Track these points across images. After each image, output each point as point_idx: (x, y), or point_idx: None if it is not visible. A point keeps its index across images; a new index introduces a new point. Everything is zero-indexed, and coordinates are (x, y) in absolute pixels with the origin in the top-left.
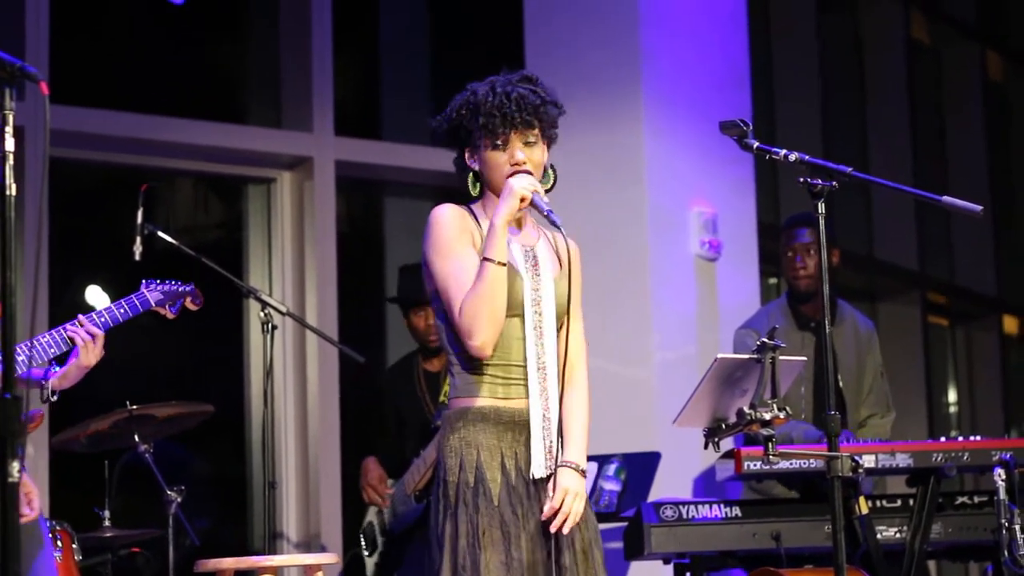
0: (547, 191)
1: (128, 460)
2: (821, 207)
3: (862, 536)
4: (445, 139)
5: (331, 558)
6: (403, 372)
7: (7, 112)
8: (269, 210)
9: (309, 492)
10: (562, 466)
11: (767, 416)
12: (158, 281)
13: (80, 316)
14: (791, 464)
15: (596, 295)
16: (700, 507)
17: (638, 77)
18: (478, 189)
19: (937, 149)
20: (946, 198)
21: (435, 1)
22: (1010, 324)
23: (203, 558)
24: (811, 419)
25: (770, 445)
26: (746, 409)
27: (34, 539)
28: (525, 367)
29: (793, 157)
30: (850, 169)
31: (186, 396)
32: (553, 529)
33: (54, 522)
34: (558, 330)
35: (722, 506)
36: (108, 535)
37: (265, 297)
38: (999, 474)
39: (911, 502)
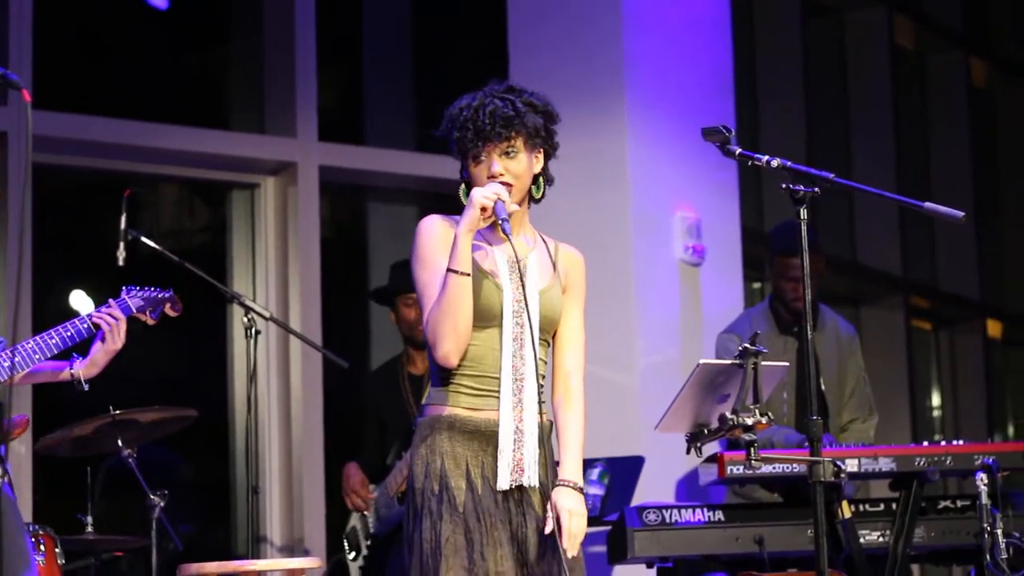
0: (538, 200)
1: (111, 465)
2: (804, 213)
3: (845, 540)
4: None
5: (314, 562)
6: (388, 376)
7: None
8: (253, 215)
9: (292, 496)
10: (560, 485)
11: (749, 421)
12: (138, 288)
13: (110, 302)
14: (774, 468)
15: None
16: (683, 511)
17: (622, 83)
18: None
19: (921, 155)
20: (928, 204)
21: (419, 7)
22: (993, 328)
23: (186, 562)
24: (793, 424)
25: (753, 450)
26: (728, 414)
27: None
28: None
29: (775, 163)
30: (832, 175)
31: (170, 401)
32: (566, 552)
33: (37, 526)
34: (547, 342)
35: (705, 510)
36: (91, 539)
37: (249, 302)
38: (982, 478)
39: (894, 506)
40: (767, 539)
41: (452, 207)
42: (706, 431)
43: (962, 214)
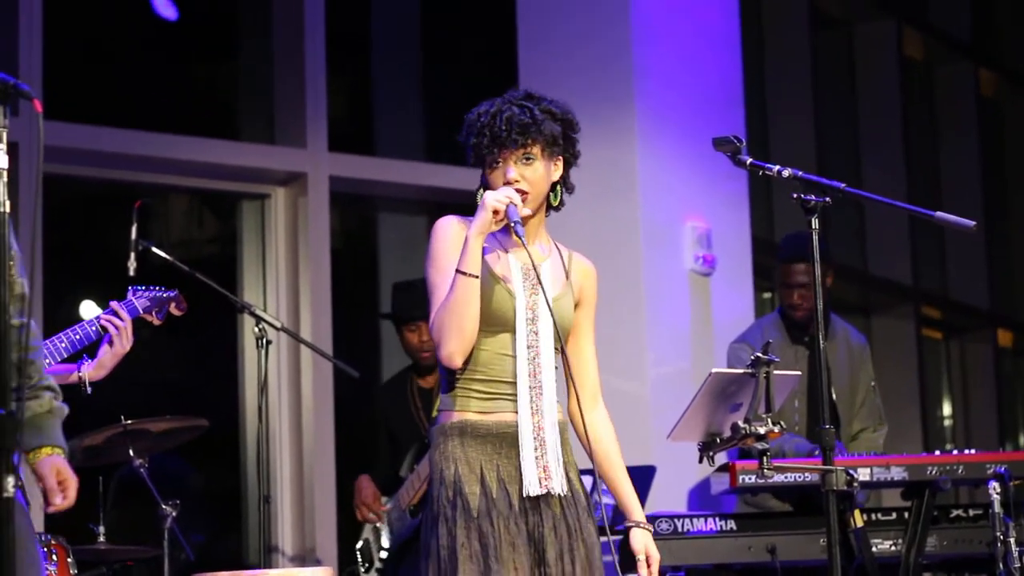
0: (555, 207)
1: (123, 474)
2: (815, 223)
3: (857, 549)
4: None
5: (326, 572)
6: (397, 389)
7: (1, 129)
8: (263, 226)
9: (304, 506)
10: (638, 527)
11: (762, 430)
12: (143, 288)
13: (113, 304)
14: (786, 478)
15: None
16: (695, 520)
17: (631, 94)
18: None
19: (930, 165)
20: (939, 214)
21: (428, 18)
22: (1004, 337)
23: (198, 572)
24: (805, 433)
25: (765, 459)
26: (741, 423)
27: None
28: (513, 383)
29: (787, 173)
30: (843, 185)
31: (181, 411)
32: None
33: (49, 536)
34: (558, 349)
35: (717, 519)
36: (103, 549)
37: (259, 312)
38: (994, 487)
39: (906, 515)
40: (779, 548)
41: (463, 216)
42: (718, 440)
43: (973, 223)
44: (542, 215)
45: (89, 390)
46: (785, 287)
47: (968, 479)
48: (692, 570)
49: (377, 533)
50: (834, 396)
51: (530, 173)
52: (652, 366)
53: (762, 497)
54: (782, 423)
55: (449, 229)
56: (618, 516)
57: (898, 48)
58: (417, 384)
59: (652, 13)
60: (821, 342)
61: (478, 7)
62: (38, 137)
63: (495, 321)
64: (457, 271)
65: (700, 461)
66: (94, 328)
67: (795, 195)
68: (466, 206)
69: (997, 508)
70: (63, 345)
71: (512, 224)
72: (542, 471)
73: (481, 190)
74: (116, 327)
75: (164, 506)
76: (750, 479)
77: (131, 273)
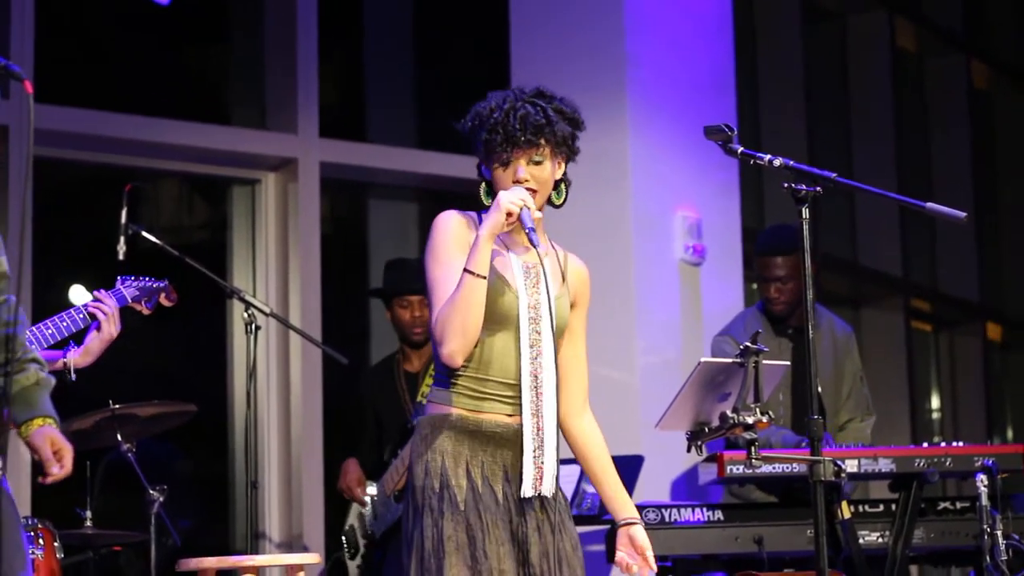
0: (559, 205)
1: (111, 459)
2: (805, 212)
3: (844, 540)
4: (469, 145)
5: (313, 558)
6: (383, 373)
7: None
8: (253, 211)
9: (291, 492)
10: (633, 523)
11: (750, 420)
12: (133, 277)
13: (98, 292)
14: (773, 468)
15: None
16: (683, 510)
17: (623, 83)
18: (490, 200)
19: (922, 156)
20: (930, 204)
21: (421, 5)
22: (993, 331)
23: (185, 558)
24: (789, 424)
25: (753, 449)
26: (729, 413)
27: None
28: (508, 383)
29: (777, 162)
30: (834, 174)
31: (169, 396)
32: None
33: (35, 520)
34: (557, 349)
35: (704, 510)
36: (90, 534)
37: (249, 298)
38: (981, 480)
39: (893, 507)
40: (766, 539)
41: (453, 204)
42: (707, 429)
43: (964, 214)
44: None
45: (74, 377)
46: (763, 280)
47: (956, 471)
48: (679, 560)
49: (362, 519)
50: (819, 387)
51: (539, 173)
52: (641, 355)
53: (747, 488)
54: (770, 413)
55: (450, 223)
56: (604, 507)
57: (890, 39)
58: (403, 368)
59: (645, 2)
60: (810, 332)
61: None
62: (28, 120)
63: (496, 319)
64: (465, 270)
65: (688, 450)
66: (81, 316)
67: (786, 184)
68: (457, 194)
69: (984, 501)
70: (49, 332)
71: (527, 231)
72: (537, 472)
73: (484, 185)
74: (104, 313)
75: (151, 491)
76: (738, 469)
77: (120, 257)
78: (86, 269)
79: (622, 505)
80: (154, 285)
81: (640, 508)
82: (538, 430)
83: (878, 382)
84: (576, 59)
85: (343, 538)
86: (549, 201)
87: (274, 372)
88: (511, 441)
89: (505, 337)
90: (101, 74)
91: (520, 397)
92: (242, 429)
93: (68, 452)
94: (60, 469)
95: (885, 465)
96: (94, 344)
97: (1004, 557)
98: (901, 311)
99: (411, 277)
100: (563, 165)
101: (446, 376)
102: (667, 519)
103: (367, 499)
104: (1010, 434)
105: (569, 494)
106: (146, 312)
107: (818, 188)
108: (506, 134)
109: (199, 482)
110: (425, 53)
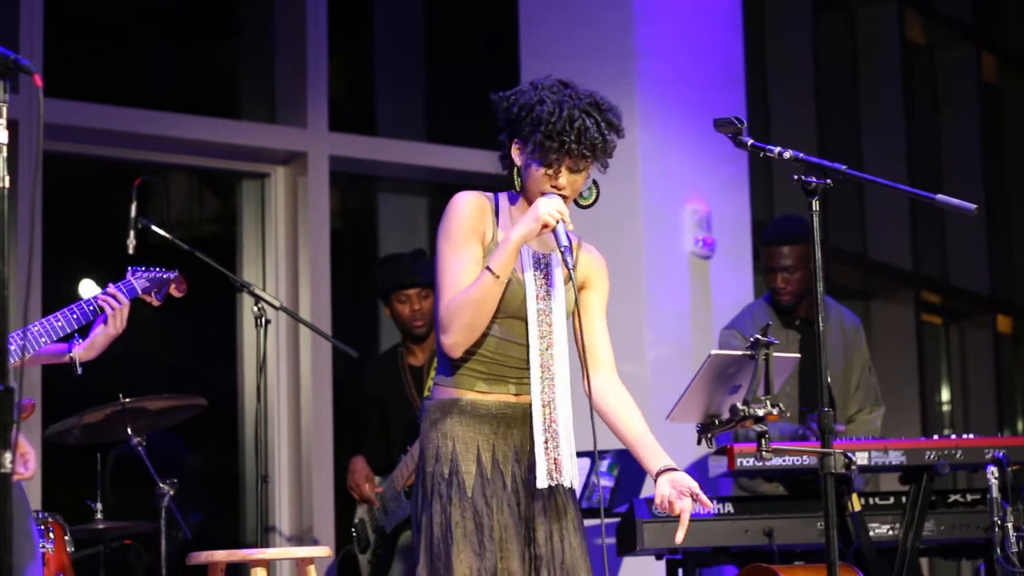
0: (589, 205)
1: (121, 453)
2: (815, 205)
3: (854, 533)
4: (500, 121)
5: (323, 551)
6: (388, 368)
7: (1, 104)
8: (263, 205)
9: (302, 486)
10: (675, 470)
11: (760, 412)
12: (143, 268)
13: (111, 286)
14: (783, 461)
15: None
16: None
17: (633, 75)
18: (519, 184)
19: (932, 149)
20: (940, 196)
21: None
22: (1003, 323)
23: (195, 551)
24: (796, 416)
25: (763, 441)
26: (739, 405)
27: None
28: (514, 367)
29: (787, 155)
30: (844, 167)
31: (179, 389)
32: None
33: (46, 514)
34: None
35: (715, 502)
36: (100, 527)
37: (259, 291)
38: (992, 472)
39: (904, 499)
40: (776, 532)
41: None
42: (717, 422)
43: (974, 206)
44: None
45: (80, 371)
46: (769, 271)
47: (966, 464)
48: (689, 553)
49: (372, 513)
50: (828, 379)
51: (576, 181)
52: (651, 348)
53: (755, 481)
54: (781, 405)
55: (467, 204)
56: (615, 499)
57: (900, 32)
58: (408, 363)
59: None
60: (820, 325)
61: None
62: (38, 114)
63: (505, 308)
64: (487, 268)
65: (699, 443)
66: (91, 307)
67: (796, 177)
68: (466, 187)
69: (995, 493)
70: (59, 324)
71: (561, 249)
72: (552, 463)
73: (517, 173)
74: (112, 308)
75: (162, 485)
76: (748, 462)
77: (130, 251)
78: (96, 263)
79: (654, 456)
80: (164, 276)
81: (650, 501)
82: (551, 421)
83: (888, 375)
84: (585, 52)
85: (353, 532)
86: (575, 202)
87: (284, 366)
88: (520, 421)
89: (514, 324)
90: (110, 68)
91: (526, 378)
92: (252, 423)
93: (32, 455)
94: (26, 471)
95: (895, 457)
96: (99, 338)
97: (1015, 549)
98: (911, 304)
99: (406, 271)
100: (593, 170)
101: (453, 362)
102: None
103: (376, 495)
104: (1020, 426)
105: (580, 487)
106: (156, 303)
107: (828, 181)
108: (561, 143)
109: (209, 476)
110: (434, 47)
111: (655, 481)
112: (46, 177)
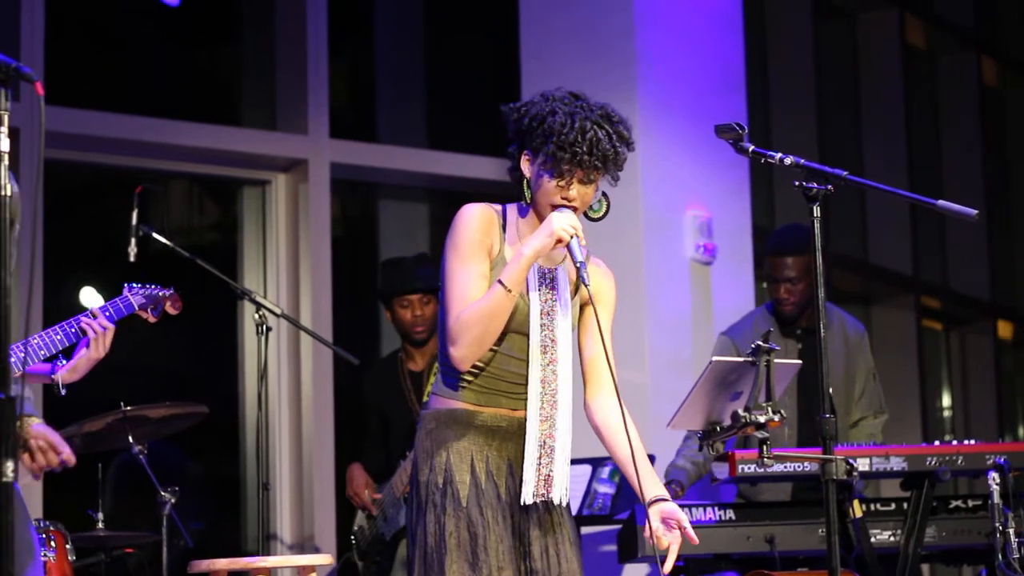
0: (600, 218)
1: (122, 461)
2: (816, 211)
3: (856, 539)
4: (510, 132)
5: (325, 559)
6: (388, 374)
7: (2, 112)
8: (264, 212)
9: (303, 493)
10: (665, 500)
11: (762, 419)
12: (139, 285)
13: (92, 309)
14: (785, 467)
15: None
16: (694, 510)
17: (634, 81)
18: (529, 197)
19: (933, 154)
20: (941, 202)
21: (430, 4)
22: (1004, 329)
23: (197, 559)
24: (795, 424)
25: (765, 448)
26: (741, 412)
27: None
28: (515, 382)
29: (788, 160)
30: (845, 173)
31: (180, 397)
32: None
33: (47, 522)
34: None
35: (716, 509)
36: (102, 535)
37: (260, 299)
38: (993, 478)
39: (905, 505)
40: (778, 538)
41: (463, 205)
42: (719, 429)
43: (975, 212)
44: None
45: (63, 392)
46: (772, 281)
47: (967, 470)
48: (691, 559)
49: (372, 520)
50: (829, 388)
51: (586, 193)
52: (652, 354)
53: (759, 487)
54: (782, 411)
55: (475, 217)
56: (616, 506)
57: (901, 36)
58: (408, 368)
59: (655, 0)
60: (822, 331)
61: None
62: (39, 121)
63: (508, 323)
64: (499, 282)
65: (700, 450)
66: (73, 330)
67: (797, 183)
68: (467, 194)
69: (996, 499)
70: (58, 338)
71: (577, 264)
72: (543, 481)
73: (527, 185)
74: (95, 332)
75: (163, 493)
76: (749, 468)
77: (131, 259)
78: (97, 271)
79: (646, 483)
80: (160, 293)
81: None
82: (547, 437)
83: (889, 381)
84: (586, 58)
85: (352, 539)
86: (585, 214)
87: (285, 373)
88: (515, 434)
89: (516, 340)
90: (111, 76)
91: (523, 393)
92: (253, 430)
93: (60, 444)
94: (67, 460)
95: (897, 463)
96: (81, 362)
97: (1016, 555)
98: (912, 309)
99: (409, 276)
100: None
101: (453, 371)
102: None
103: (375, 502)
104: (1021, 432)
105: (581, 494)
106: (152, 320)
107: (829, 186)
108: (573, 154)
109: (211, 483)
110: (435, 53)
111: (646, 510)
112: (47, 185)
